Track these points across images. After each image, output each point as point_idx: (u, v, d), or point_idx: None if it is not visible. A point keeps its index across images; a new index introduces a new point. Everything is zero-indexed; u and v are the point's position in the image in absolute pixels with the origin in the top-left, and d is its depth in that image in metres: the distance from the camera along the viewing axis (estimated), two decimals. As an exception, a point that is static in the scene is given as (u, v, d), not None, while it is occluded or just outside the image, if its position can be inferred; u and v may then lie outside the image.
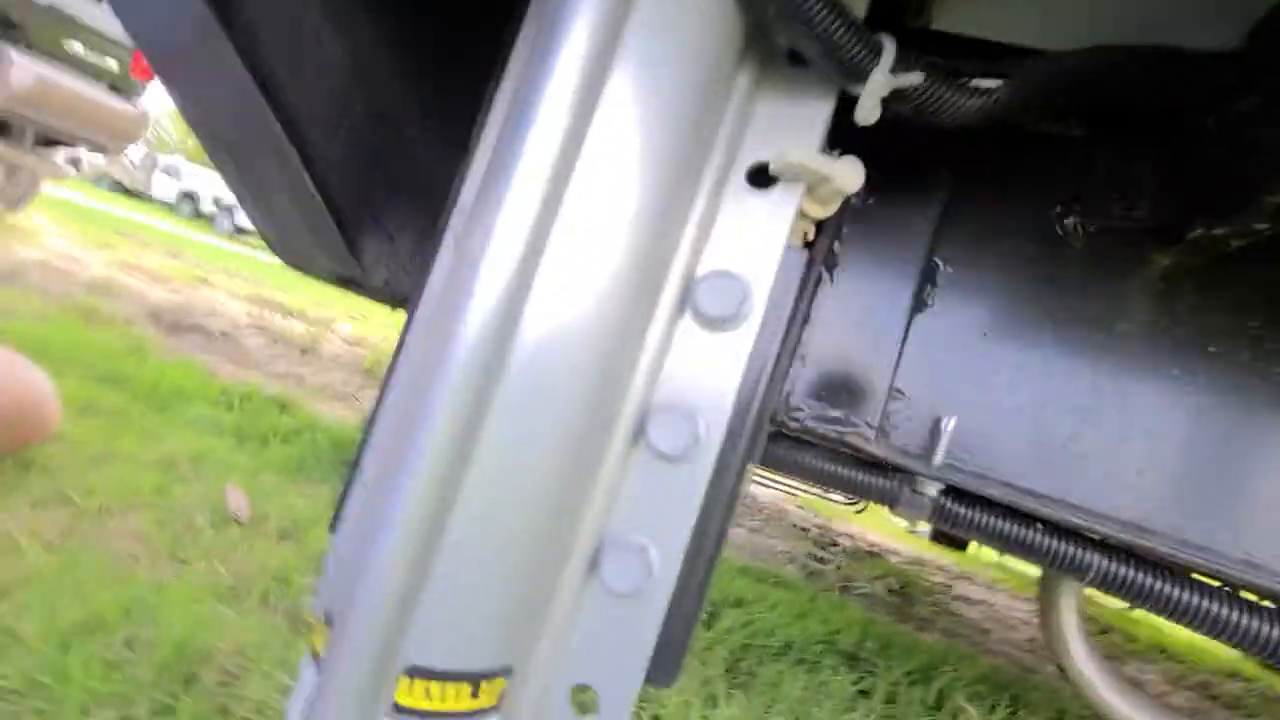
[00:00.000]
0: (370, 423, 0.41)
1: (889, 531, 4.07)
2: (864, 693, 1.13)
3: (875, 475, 0.56)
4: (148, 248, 5.55)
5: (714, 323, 0.41)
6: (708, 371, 0.42)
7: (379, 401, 0.41)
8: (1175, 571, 0.53)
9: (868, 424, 0.52)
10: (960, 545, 4.37)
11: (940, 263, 0.53)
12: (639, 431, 0.42)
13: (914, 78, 0.36)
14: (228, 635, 0.72)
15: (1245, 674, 2.58)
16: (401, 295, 0.61)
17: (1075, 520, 0.50)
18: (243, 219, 19.92)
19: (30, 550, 0.77)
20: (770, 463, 0.60)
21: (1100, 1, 0.42)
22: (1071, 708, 1.31)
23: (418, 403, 0.32)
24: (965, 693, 1.16)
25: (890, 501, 0.56)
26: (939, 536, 4.42)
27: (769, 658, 1.12)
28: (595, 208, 0.35)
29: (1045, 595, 0.92)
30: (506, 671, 0.37)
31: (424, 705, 0.33)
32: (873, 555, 2.75)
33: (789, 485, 4.38)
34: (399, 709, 0.33)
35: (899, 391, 0.53)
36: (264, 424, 1.71)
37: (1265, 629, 0.50)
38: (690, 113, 0.39)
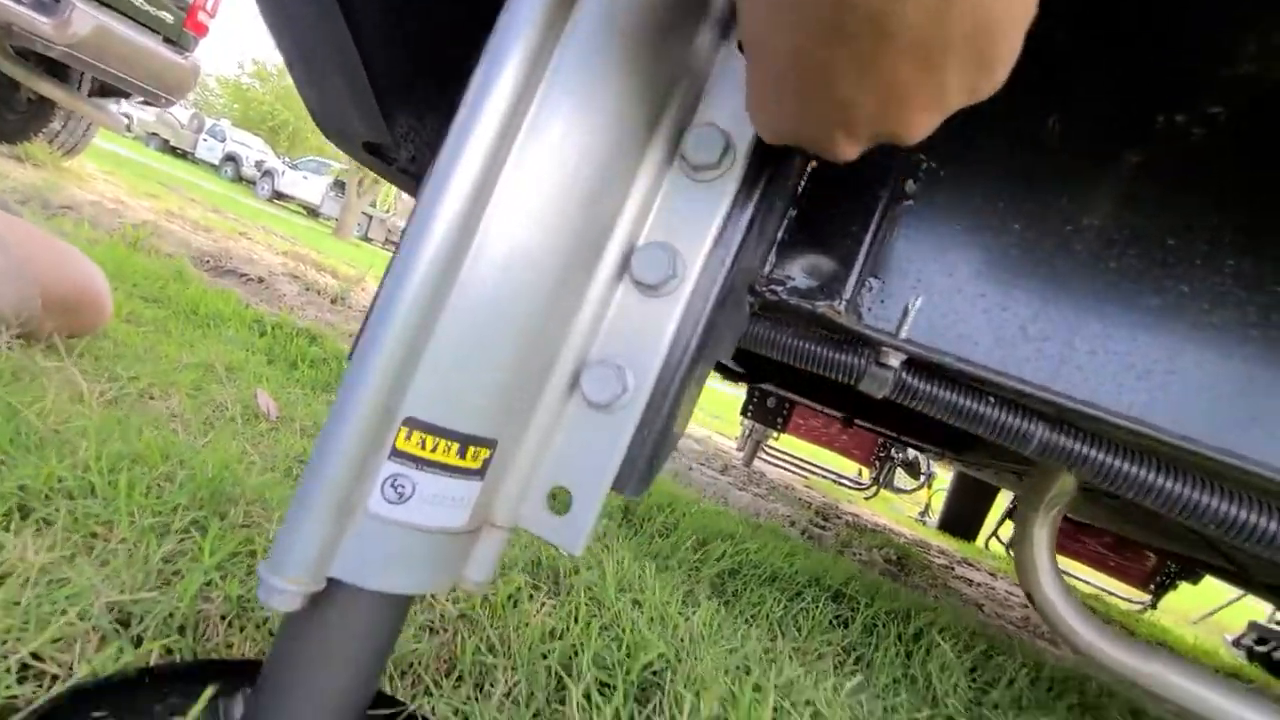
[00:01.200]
0: (390, 262, 0.47)
1: (896, 518, 4.08)
2: (843, 622, 1.18)
3: (844, 352, 0.61)
4: (191, 202, 5.73)
5: (697, 170, 0.46)
6: (688, 216, 0.46)
7: (399, 243, 0.46)
8: (1119, 445, 0.56)
9: (841, 300, 0.57)
10: (969, 535, 4.36)
11: (923, 157, 0.57)
12: (624, 266, 0.47)
13: None
14: (253, 489, 0.80)
15: (1246, 676, 2.56)
16: (422, 175, 0.67)
17: (1026, 393, 0.54)
18: (282, 184, 20.27)
19: (90, 401, 0.85)
20: (751, 340, 0.65)
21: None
22: (1049, 660, 1.33)
23: (423, 228, 0.37)
24: (944, 634, 1.19)
25: (856, 375, 0.60)
26: (947, 525, 4.42)
27: (754, 582, 1.17)
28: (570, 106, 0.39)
29: (1019, 527, 0.96)
30: (491, 444, 0.42)
31: (418, 452, 0.39)
32: (875, 531, 2.77)
33: (798, 466, 4.41)
34: (396, 452, 0.39)
35: (872, 273, 0.57)
36: (294, 350, 1.80)
37: (1201, 498, 0.54)
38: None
